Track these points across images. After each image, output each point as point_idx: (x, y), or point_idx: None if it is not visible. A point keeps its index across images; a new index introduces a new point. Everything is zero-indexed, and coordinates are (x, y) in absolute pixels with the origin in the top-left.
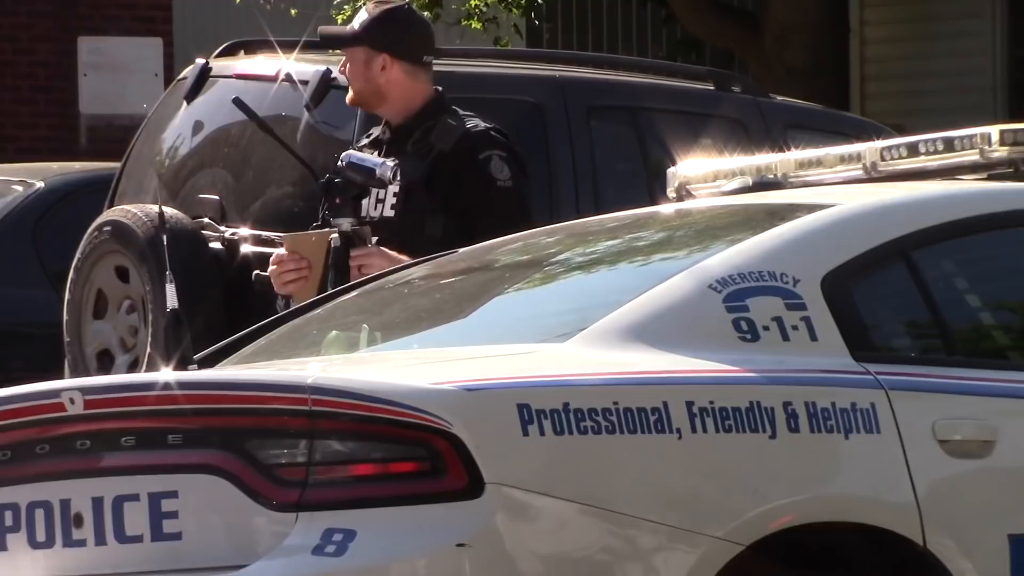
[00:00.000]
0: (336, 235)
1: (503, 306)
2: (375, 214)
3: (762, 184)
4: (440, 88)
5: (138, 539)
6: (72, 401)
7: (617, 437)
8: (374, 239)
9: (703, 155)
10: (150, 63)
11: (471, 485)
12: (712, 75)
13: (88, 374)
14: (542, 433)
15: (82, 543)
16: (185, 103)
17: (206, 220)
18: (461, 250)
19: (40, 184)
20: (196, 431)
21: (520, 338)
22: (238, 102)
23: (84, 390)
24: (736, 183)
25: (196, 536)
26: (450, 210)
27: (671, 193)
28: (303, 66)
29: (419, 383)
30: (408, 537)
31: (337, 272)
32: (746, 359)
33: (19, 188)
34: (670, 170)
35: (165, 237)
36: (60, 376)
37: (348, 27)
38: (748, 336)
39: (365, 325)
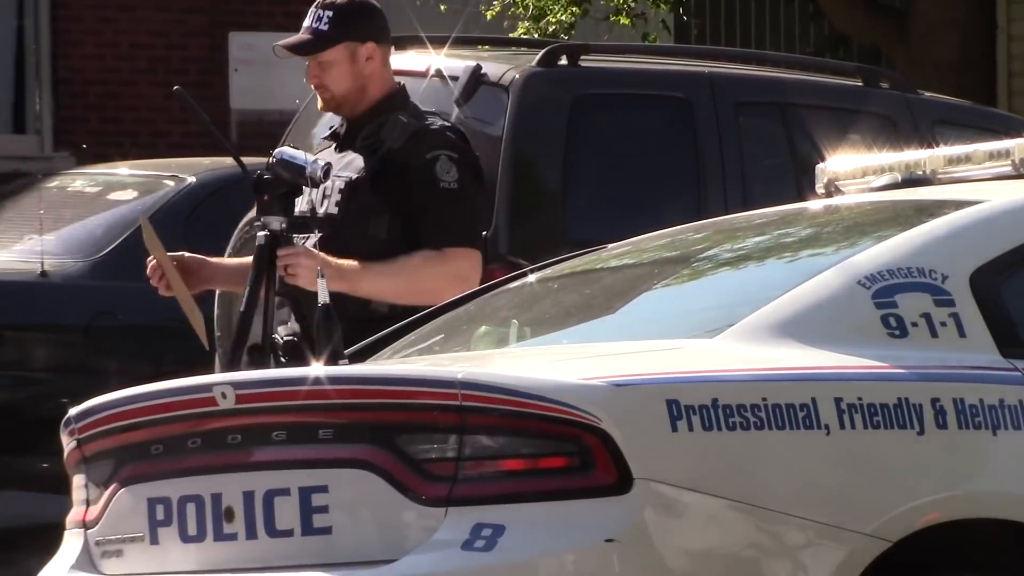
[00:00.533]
0: (262, 234)
1: (651, 302)
2: (320, 210)
3: (911, 180)
4: (403, 83)
5: (288, 533)
6: (224, 395)
7: (765, 433)
8: (316, 235)
9: (851, 151)
10: (300, 59)
11: (620, 481)
12: (860, 71)
13: (239, 369)
14: (691, 429)
15: (233, 537)
16: None
17: None
18: (610, 245)
19: (191, 179)
20: (347, 426)
21: (669, 334)
22: (179, 94)
23: (236, 384)
24: (885, 179)
25: (346, 530)
26: (395, 210)
27: (819, 189)
28: (453, 62)
29: (569, 379)
30: (557, 532)
31: (260, 272)
32: (894, 355)
33: (171, 183)
34: (818, 166)
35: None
36: (211, 371)
37: (307, 32)
38: (896, 332)
39: (515, 320)
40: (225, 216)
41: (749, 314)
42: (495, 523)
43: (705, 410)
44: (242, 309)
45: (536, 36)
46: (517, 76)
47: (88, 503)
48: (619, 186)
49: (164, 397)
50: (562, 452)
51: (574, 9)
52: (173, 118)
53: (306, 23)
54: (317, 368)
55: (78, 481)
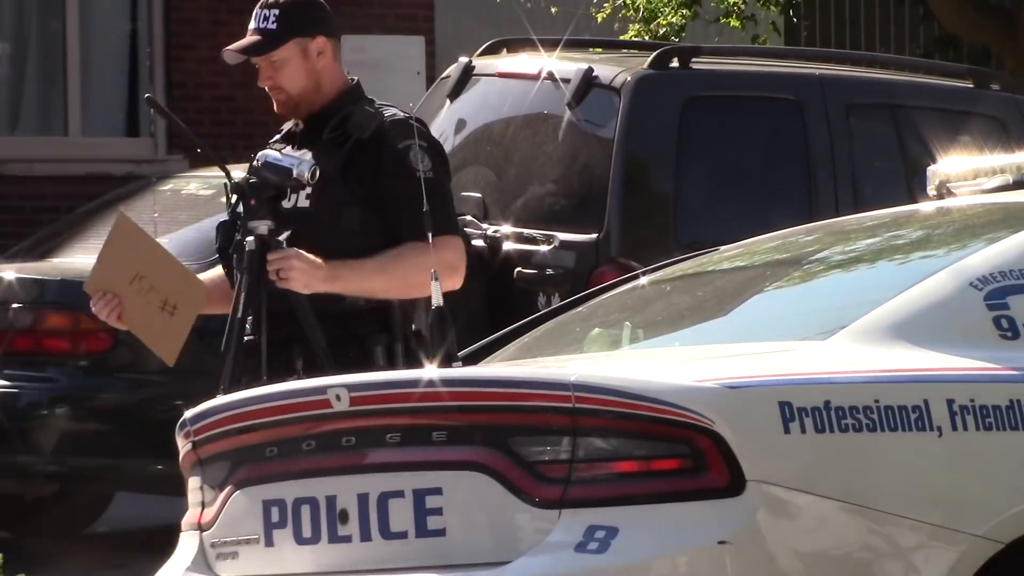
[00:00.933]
0: (251, 239)
1: (763, 304)
2: (288, 205)
3: (1022, 182)
4: (356, 78)
5: (402, 535)
6: (338, 398)
7: (877, 435)
8: (287, 233)
9: (962, 153)
10: (412, 61)
11: (732, 483)
12: (971, 73)
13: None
14: (803, 431)
15: (347, 539)
16: (448, 101)
17: (468, 218)
18: (722, 248)
19: None
20: (460, 428)
21: (781, 336)
22: (150, 101)
23: (350, 387)
24: (996, 181)
25: (460, 532)
26: (368, 202)
27: (931, 191)
28: (565, 64)
29: (682, 381)
30: (669, 534)
31: (252, 277)
32: (1006, 357)
33: None
34: (929, 168)
35: (429, 235)
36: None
37: (255, 33)
38: (1008, 334)
39: (627, 322)
40: None
41: (861, 316)
42: (608, 525)
43: (817, 412)
44: (239, 315)
45: (647, 38)
46: (629, 79)
47: (203, 505)
48: (730, 188)
49: (279, 399)
50: (675, 454)
51: (685, 11)
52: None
53: (252, 24)
54: (431, 370)
55: (193, 483)
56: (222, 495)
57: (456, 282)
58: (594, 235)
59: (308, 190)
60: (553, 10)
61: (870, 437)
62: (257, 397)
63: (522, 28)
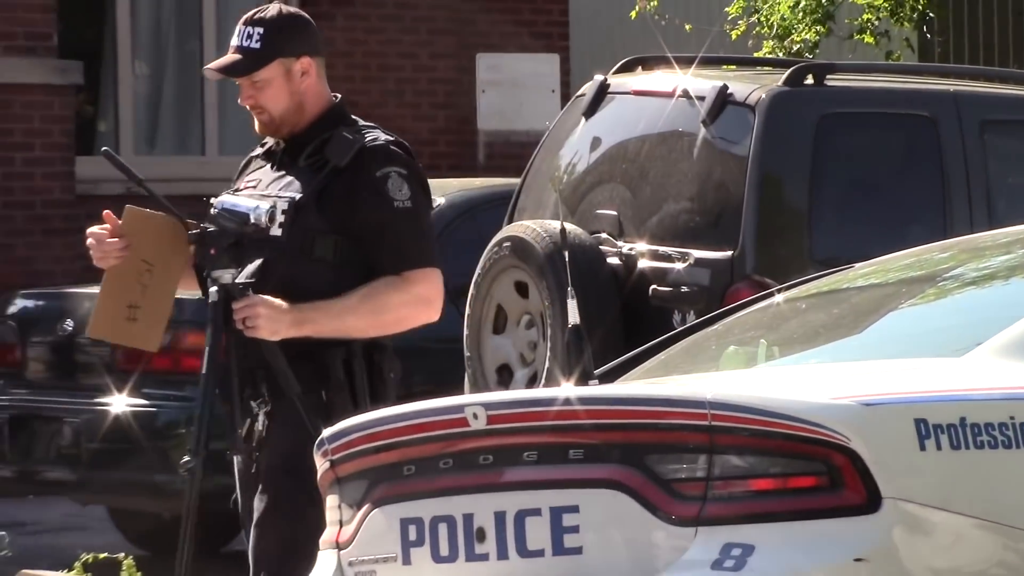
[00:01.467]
0: (214, 289)
1: (898, 321)
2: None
3: None
4: (339, 96)
5: (539, 553)
6: (475, 416)
7: (1013, 451)
8: (250, 280)
9: None
10: (547, 79)
11: (869, 500)
12: None
13: (488, 389)
14: (939, 448)
15: (484, 557)
16: (583, 119)
17: (603, 235)
18: (857, 265)
19: (440, 200)
20: (597, 446)
21: (916, 353)
22: (106, 154)
23: (487, 405)
24: None
25: (596, 550)
26: (343, 231)
27: None
28: (699, 82)
29: (818, 398)
30: (805, 552)
31: (216, 328)
32: None
33: None
34: None
35: (566, 253)
36: (459, 391)
37: (236, 51)
38: None
39: (763, 340)
40: (473, 234)
41: (996, 333)
42: (744, 543)
43: (953, 429)
44: (203, 371)
45: (781, 55)
46: (763, 96)
47: (341, 523)
48: (865, 205)
49: (416, 418)
50: (811, 471)
51: (819, 28)
52: (421, 139)
53: (234, 42)
54: (568, 389)
55: (331, 502)
56: (360, 513)
57: (431, 315)
58: (729, 252)
59: (281, 218)
60: (688, 27)
61: (1006, 454)
62: (395, 416)
63: (657, 46)
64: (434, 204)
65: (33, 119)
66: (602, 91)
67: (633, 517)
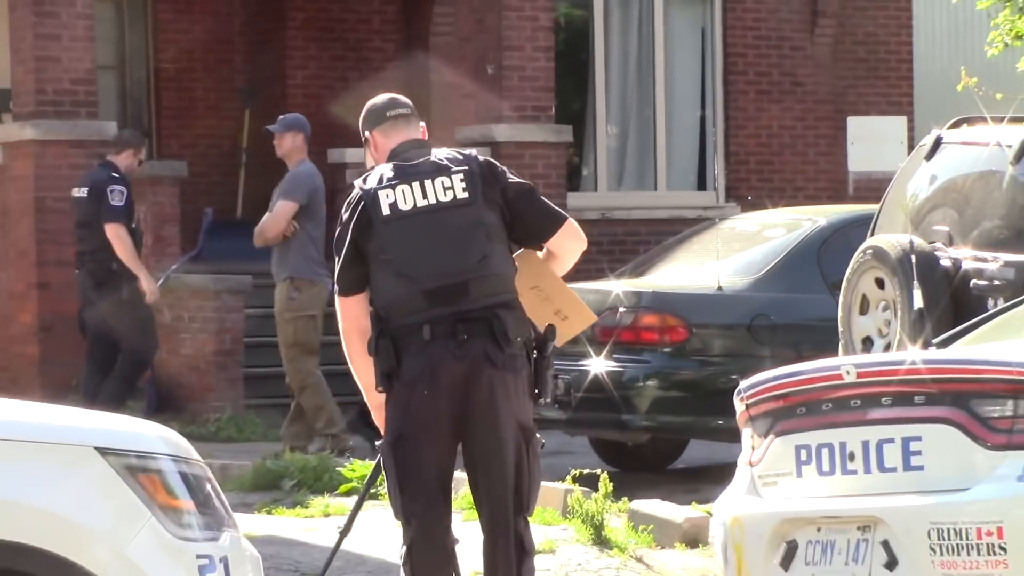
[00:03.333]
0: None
1: None
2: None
3: None
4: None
5: (893, 470)
6: (848, 373)
7: None
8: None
9: None
10: (897, 134)
11: None
12: None
13: (856, 354)
14: None
15: (854, 472)
16: (924, 162)
17: (938, 245)
18: None
19: (822, 221)
20: (935, 394)
21: None
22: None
23: (857, 365)
24: None
25: (934, 467)
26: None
27: None
28: (1008, 134)
29: None
30: None
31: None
32: None
33: (808, 224)
34: None
35: (913, 258)
36: (836, 355)
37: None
38: None
39: None
40: (845, 247)
41: None
42: None
43: None
44: None
45: None
46: None
47: (753, 449)
48: None
49: (806, 374)
50: None
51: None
52: (808, 178)
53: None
54: (914, 353)
55: (746, 434)
56: (766, 442)
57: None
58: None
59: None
60: (998, 96)
61: None
62: (792, 372)
63: (977, 109)
64: (816, 224)
65: (537, 166)
66: (938, 142)
67: (960, 444)
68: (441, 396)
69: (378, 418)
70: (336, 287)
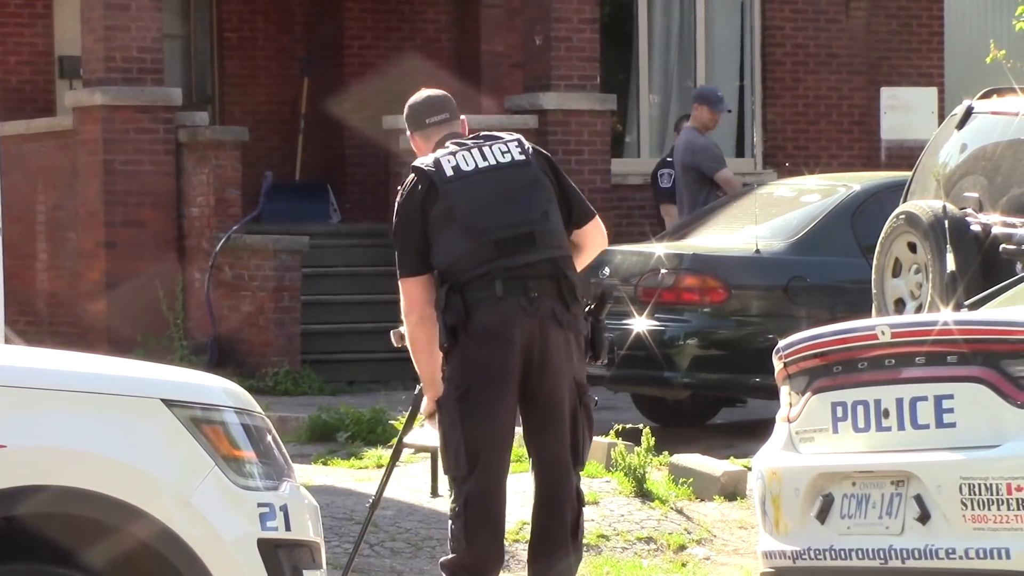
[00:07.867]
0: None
1: None
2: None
3: None
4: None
5: (926, 427)
6: (883, 333)
7: None
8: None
9: None
10: (929, 104)
11: None
12: None
13: (888, 315)
14: None
15: (888, 428)
16: (955, 131)
17: (968, 211)
18: None
19: (856, 187)
20: (966, 353)
21: None
22: None
23: (891, 325)
24: None
25: (965, 424)
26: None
27: None
28: None
29: None
30: None
31: None
32: None
33: (842, 190)
34: None
35: (945, 222)
36: (869, 316)
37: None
38: None
39: None
40: (879, 211)
41: None
42: None
43: None
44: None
45: None
46: None
47: (791, 406)
48: None
49: (843, 334)
50: None
51: None
52: (843, 146)
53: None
54: (946, 314)
55: (784, 391)
56: (803, 399)
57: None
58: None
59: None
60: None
61: None
62: (828, 332)
63: (1007, 80)
64: (851, 190)
65: (583, 133)
66: (968, 112)
67: (990, 402)
68: (513, 351)
69: (430, 390)
70: (399, 271)
